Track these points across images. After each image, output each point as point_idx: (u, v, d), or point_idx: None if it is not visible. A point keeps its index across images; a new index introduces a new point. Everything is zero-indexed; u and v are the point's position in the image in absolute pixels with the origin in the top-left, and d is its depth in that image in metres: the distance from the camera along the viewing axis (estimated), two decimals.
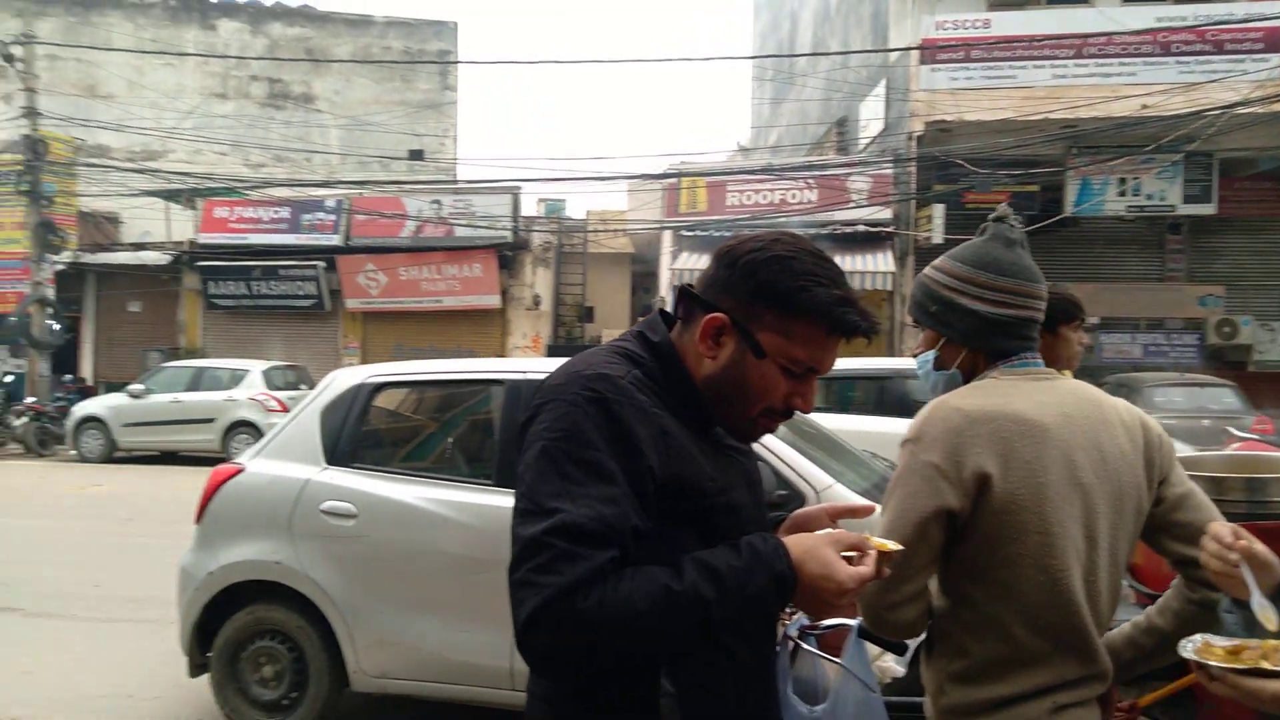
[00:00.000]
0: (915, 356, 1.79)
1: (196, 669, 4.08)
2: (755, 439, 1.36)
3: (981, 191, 14.94)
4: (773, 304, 1.24)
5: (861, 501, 1.42)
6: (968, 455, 1.46)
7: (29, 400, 16.21)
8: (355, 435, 4.00)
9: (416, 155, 23.12)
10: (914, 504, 1.46)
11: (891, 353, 15.74)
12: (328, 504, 3.85)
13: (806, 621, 2.01)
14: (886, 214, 15.59)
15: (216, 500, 4.05)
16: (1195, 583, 1.60)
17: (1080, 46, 14.26)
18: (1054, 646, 1.49)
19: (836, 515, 1.39)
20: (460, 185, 19.74)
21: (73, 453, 14.48)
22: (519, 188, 18.00)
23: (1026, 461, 1.47)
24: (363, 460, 4.00)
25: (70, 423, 14.49)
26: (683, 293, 1.32)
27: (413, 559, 3.76)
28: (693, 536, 1.20)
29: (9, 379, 18.27)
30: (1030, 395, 1.55)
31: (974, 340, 1.64)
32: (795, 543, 1.20)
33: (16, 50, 16.64)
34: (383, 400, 4.18)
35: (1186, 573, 1.62)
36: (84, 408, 14.62)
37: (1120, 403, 1.67)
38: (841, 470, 4.18)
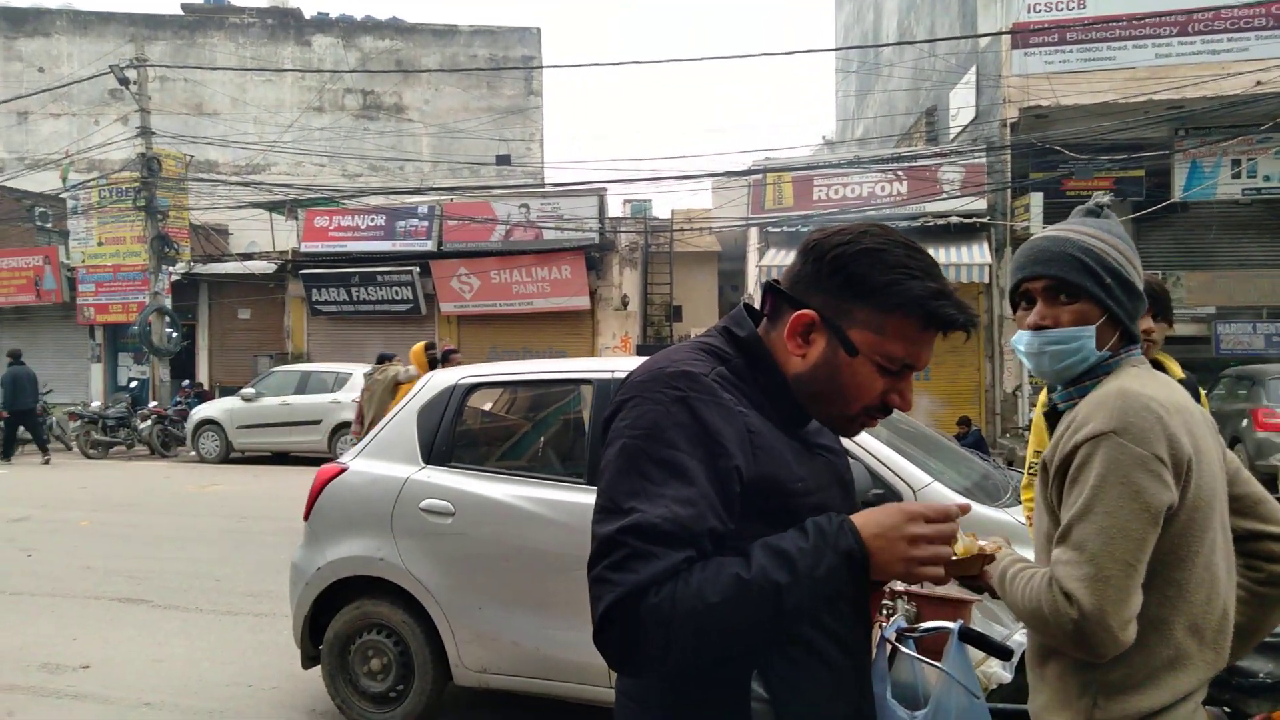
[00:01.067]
0: (1041, 329, 1.54)
1: (309, 661, 4.26)
2: (856, 434, 1.34)
3: (1082, 178, 14.36)
4: (864, 299, 1.20)
5: (958, 500, 1.37)
6: (1180, 447, 1.39)
7: (152, 404, 17.19)
8: (451, 435, 4.12)
9: (504, 160, 23.57)
10: (1143, 500, 1.36)
11: (991, 350, 15.28)
12: (426, 502, 3.97)
13: (905, 624, 1.99)
14: (981, 204, 15.13)
15: (322, 499, 4.22)
16: (1259, 559, 1.56)
17: (1185, 23, 13.58)
18: (1201, 646, 1.43)
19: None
20: (547, 188, 20.04)
21: (193, 454, 15.29)
22: (604, 189, 18.17)
23: (1206, 454, 1.43)
24: (459, 459, 4.11)
25: (189, 425, 15.29)
26: (769, 288, 1.29)
27: (508, 556, 3.85)
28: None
29: (134, 384, 19.43)
30: (1174, 387, 1.50)
31: (1133, 321, 1.54)
32: (863, 515, 1.19)
33: (131, 74, 17.61)
34: (477, 400, 4.29)
35: (1247, 548, 1.57)
36: (201, 411, 15.41)
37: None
38: (940, 468, 4.09)
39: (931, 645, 1.98)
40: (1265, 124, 13.23)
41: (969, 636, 1.87)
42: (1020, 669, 2.02)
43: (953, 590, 2.20)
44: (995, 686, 2.24)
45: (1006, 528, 3.45)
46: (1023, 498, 3.28)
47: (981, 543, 1.39)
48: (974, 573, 1.30)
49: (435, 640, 3.99)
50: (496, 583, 3.89)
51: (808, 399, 1.26)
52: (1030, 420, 6.44)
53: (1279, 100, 12.68)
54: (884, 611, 2.06)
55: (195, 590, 6.51)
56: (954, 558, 1.25)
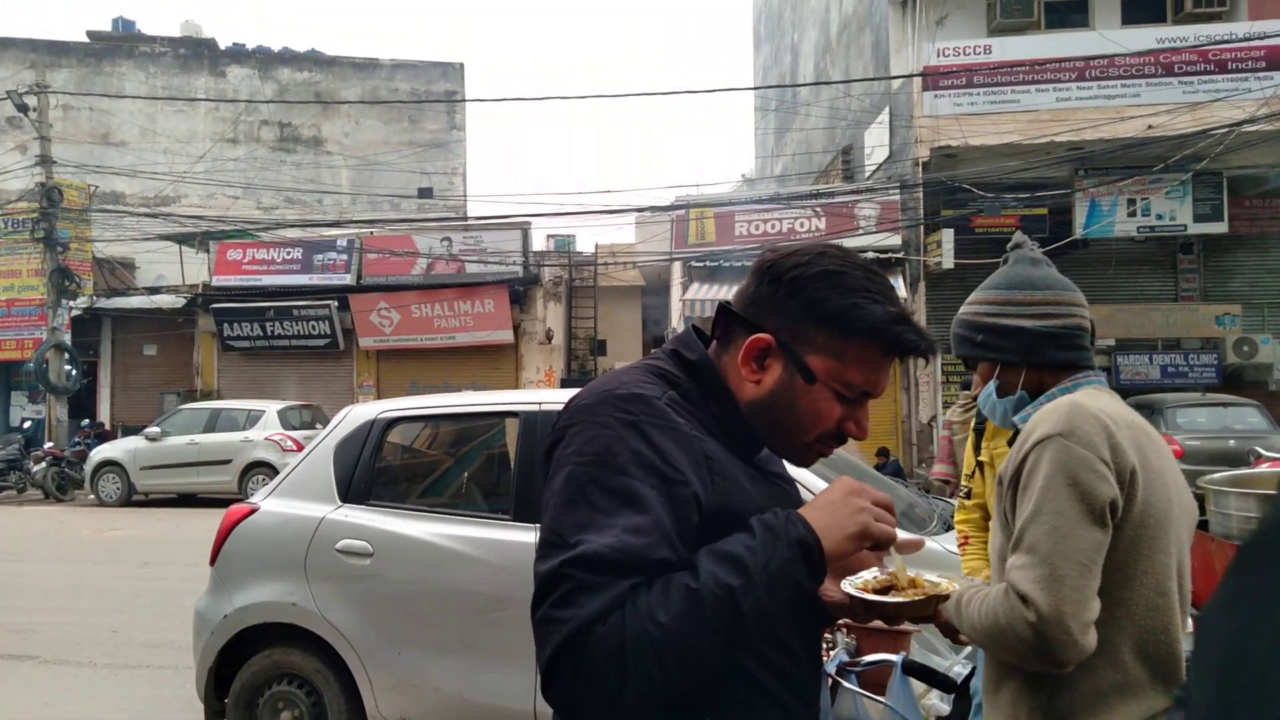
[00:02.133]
0: (973, 400, 1.82)
1: (213, 716, 4.01)
2: (810, 464, 1.29)
3: (990, 215, 14.92)
4: (823, 324, 1.15)
5: (909, 535, 1.31)
6: (1123, 455, 1.40)
7: (47, 445, 16.26)
8: (369, 471, 3.96)
9: (425, 193, 23.35)
10: (1090, 499, 1.36)
11: (907, 382, 15.65)
12: (343, 543, 3.80)
13: (846, 657, 1.95)
14: (896, 240, 15.57)
15: (230, 541, 4.00)
16: None
17: (1083, 69, 14.30)
18: (1152, 675, 1.42)
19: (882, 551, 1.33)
20: (470, 222, 19.87)
21: (91, 497, 14.48)
22: (528, 223, 18.11)
23: (1158, 474, 1.44)
24: (378, 497, 3.95)
25: (88, 467, 14.50)
26: (722, 311, 1.24)
27: (430, 598, 3.70)
28: None
29: (28, 425, 18.39)
30: (1131, 412, 1.52)
31: (1030, 356, 1.64)
32: (809, 505, 1.15)
33: (30, 100, 16.89)
34: (397, 435, 4.14)
35: None
36: (101, 452, 14.64)
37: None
38: None
39: (873, 679, 1.94)
40: (1156, 165, 13.98)
41: (912, 669, 1.84)
42: (958, 699, 1.99)
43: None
44: (934, 718, 2.21)
45: (934, 556, 3.46)
46: (956, 521, 3.29)
47: (934, 580, 1.34)
48: (928, 613, 1.26)
49: (351, 689, 3.80)
50: (417, 626, 3.73)
51: (762, 427, 1.21)
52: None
53: (1169, 143, 13.42)
54: (824, 645, 2.01)
55: (89, 643, 6.09)
56: (908, 599, 1.22)
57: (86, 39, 28.21)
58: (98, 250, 19.16)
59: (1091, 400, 1.48)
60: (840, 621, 2.12)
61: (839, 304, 1.14)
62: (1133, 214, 14.95)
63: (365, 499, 3.93)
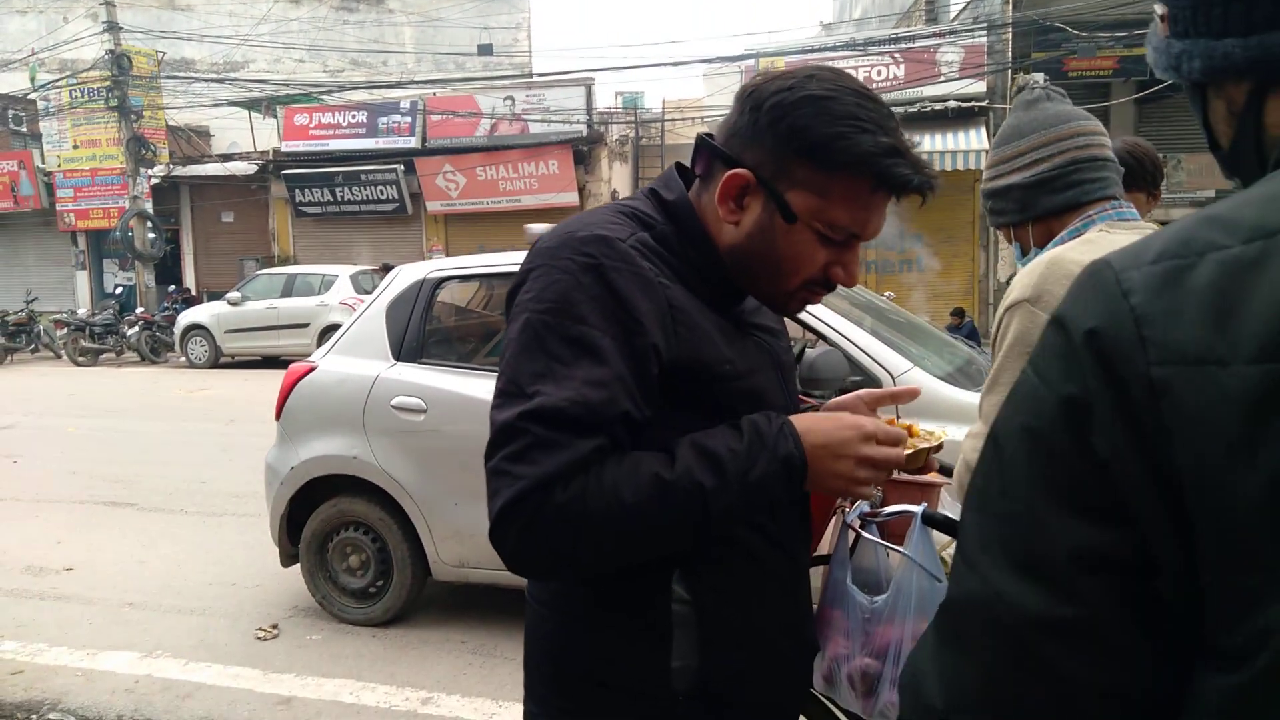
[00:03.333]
0: None
1: (288, 559, 4.25)
2: (795, 313, 1.19)
3: (1085, 57, 13.84)
4: (805, 156, 1.02)
5: (905, 385, 1.24)
6: None
7: (139, 310, 17.03)
8: (421, 330, 4.00)
9: (486, 50, 22.73)
10: None
11: (985, 240, 15.04)
12: (398, 399, 3.88)
13: (868, 508, 1.91)
14: (980, 87, 14.63)
15: (293, 398, 4.13)
16: None
17: None
18: None
19: (875, 402, 1.23)
20: (531, 80, 19.37)
21: (181, 359, 15.23)
22: (591, 79, 17.55)
23: None
24: (430, 355, 4.00)
25: (177, 331, 15.19)
26: (701, 144, 1.12)
27: (481, 452, 3.77)
28: (708, 427, 1.05)
29: (120, 291, 19.22)
30: None
31: (1026, 211, 1.54)
32: (807, 421, 1.05)
33: None
34: (447, 295, 4.15)
35: None
36: (189, 316, 15.28)
37: None
38: (923, 354, 3.99)
39: (896, 529, 1.90)
40: None
41: (932, 520, 1.79)
42: None
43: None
44: None
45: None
46: None
47: (928, 429, 1.28)
48: (919, 465, 1.19)
49: (413, 536, 3.97)
50: (471, 478, 3.82)
51: (741, 272, 1.10)
52: None
53: None
54: (848, 498, 1.97)
55: (181, 493, 6.51)
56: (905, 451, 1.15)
57: None
58: (170, 118, 19.37)
59: (1076, 251, 1.36)
60: None
61: (822, 133, 1.01)
62: None
63: (418, 357, 3.99)
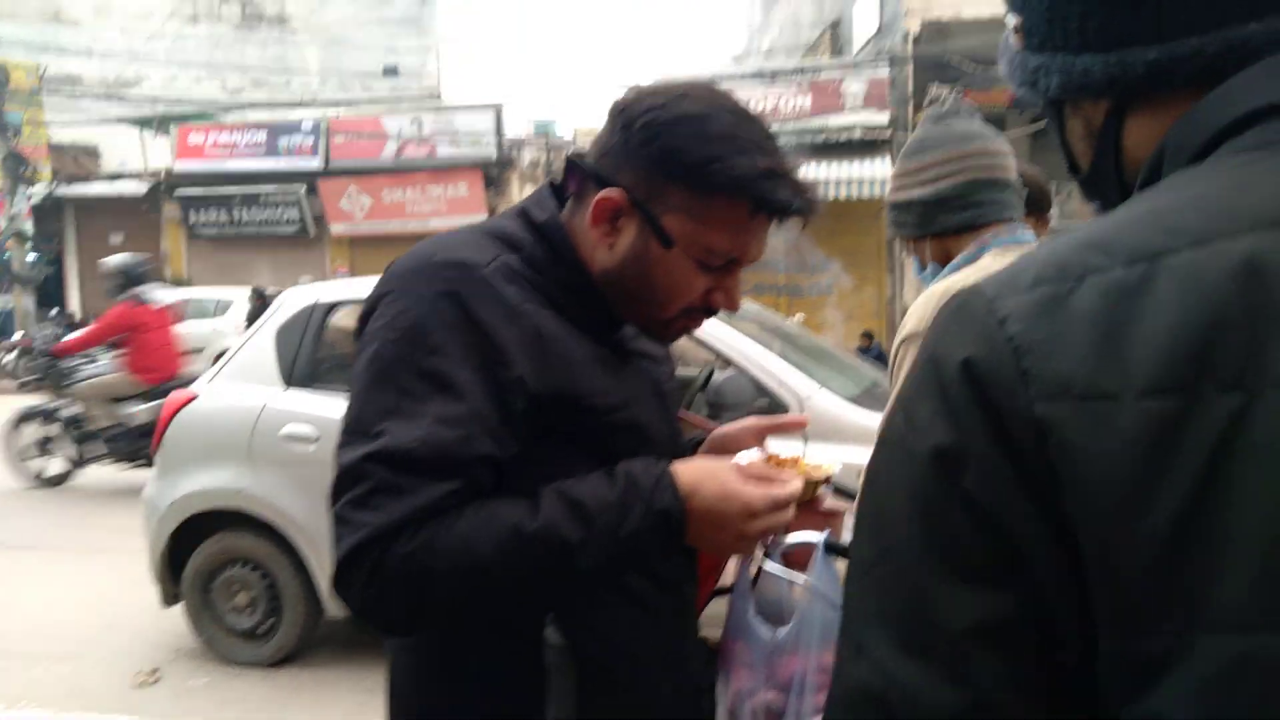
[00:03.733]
0: None
1: (170, 598, 3.99)
2: (673, 341, 1.13)
3: (981, 91, 14.44)
4: (680, 178, 0.96)
5: (793, 415, 1.18)
6: None
7: (16, 335, 16.00)
8: (313, 356, 3.82)
9: (391, 72, 22.38)
10: None
11: (892, 263, 15.48)
12: (288, 428, 3.68)
13: (770, 538, 1.85)
14: (883, 118, 15.11)
15: (173, 429, 3.89)
16: None
17: None
18: None
19: (764, 432, 1.17)
20: (440, 104, 19.16)
21: None
22: (501, 104, 17.47)
23: None
24: (323, 381, 3.82)
25: None
26: (571, 163, 1.05)
27: None
28: (585, 461, 0.97)
29: None
30: None
31: (925, 227, 1.52)
32: (689, 468, 0.97)
33: None
34: (340, 319, 3.98)
35: None
36: None
37: None
38: (830, 377, 4.00)
39: (800, 558, 1.85)
40: None
41: (835, 548, 1.74)
42: None
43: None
44: None
45: None
46: None
47: (815, 463, 1.22)
48: (807, 498, 1.14)
49: (304, 572, 3.76)
50: None
51: (617, 297, 1.03)
52: None
53: None
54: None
55: (57, 528, 6.09)
56: None
57: None
58: (54, 135, 18.40)
59: (977, 276, 1.34)
60: None
61: (697, 155, 0.95)
62: None
63: (310, 383, 3.80)
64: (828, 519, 1.95)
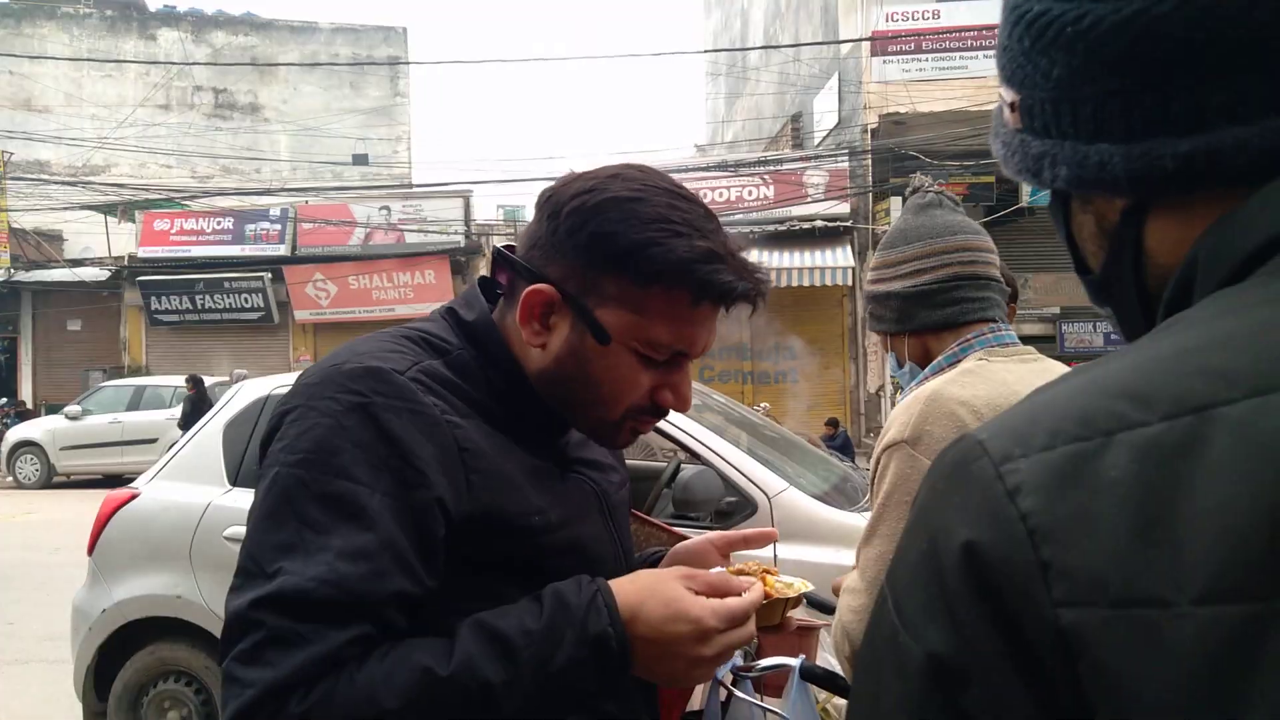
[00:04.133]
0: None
1: (94, 718, 3.68)
2: (624, 446, 1.03)
3: (938, 182, 14.86)
4: (613, 267, 0.88)
5: (761, 529, 1.05)
6: None
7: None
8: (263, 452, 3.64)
9: (361, 160, 22.64)
10: None
11: (855, 351, 15.59)
12: (232, 529, 3.47)
13: (741, 662, 1.71)
14: (844, 208, 15.45)
15: (110, 529, 3.66)
16: None
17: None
18: None
19: (728, 547, 1.08)
20: (409, 190, 19.31)
21: (9, 479, 13.83)
22: (470, 191, 17.64)
23: None
24: None
25: (4, 448, 13.84)
26: (498, 257, 0.97)
27: None
28: (518, 592, 0.86)
29: None
30: (1030, 381, 1.28)
31: (904, 322, 1.44)
32: (628, 584, 0.86)
33: None
34: None
35: None
36: (18, 432, 13.99)
37: None
38: (799, 472, 3.89)
39: (773, 683, 1.71)
40: None
41: (811, 675, 1.60)
42: None
43: (800, 616, 1.94)
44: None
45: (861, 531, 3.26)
46: None
47: (785, 580, 1.11)
48: (775, 622, 1.02)
49: None
50: None
51: (557, 400, 0.95)
52: None
53: None
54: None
55: None
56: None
57: None
58: (16, 221, 18.22)
59: (958, 386, 1.25)
60: None
61: (630, 240, 0.87)
62: None
63: (258, 482, 3.61)
64: (803, 638, 1.82)
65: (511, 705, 0.78)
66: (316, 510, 0.79)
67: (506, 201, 21.03)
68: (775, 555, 2.90)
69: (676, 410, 0.96)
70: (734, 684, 1.63)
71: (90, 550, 3.70)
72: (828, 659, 1.96)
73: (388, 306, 17.16)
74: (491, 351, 0.94)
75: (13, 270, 17.79)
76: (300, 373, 0.92)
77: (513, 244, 0.98)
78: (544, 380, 0.94)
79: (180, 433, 13.03)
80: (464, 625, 0.81)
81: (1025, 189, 15.01)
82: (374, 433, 0.82)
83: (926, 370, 1.39)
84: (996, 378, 1.26)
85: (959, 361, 1.35)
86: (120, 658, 3.64)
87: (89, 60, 24.86)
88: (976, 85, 14.03)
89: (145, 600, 3.56)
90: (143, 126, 24.42)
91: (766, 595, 1.01)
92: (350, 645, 0.76)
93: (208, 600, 3.47)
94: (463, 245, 17.38)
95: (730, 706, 1.60)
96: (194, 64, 25.75)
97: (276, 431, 0.87)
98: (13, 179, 18.00)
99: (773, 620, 1.00)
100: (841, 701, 2.01)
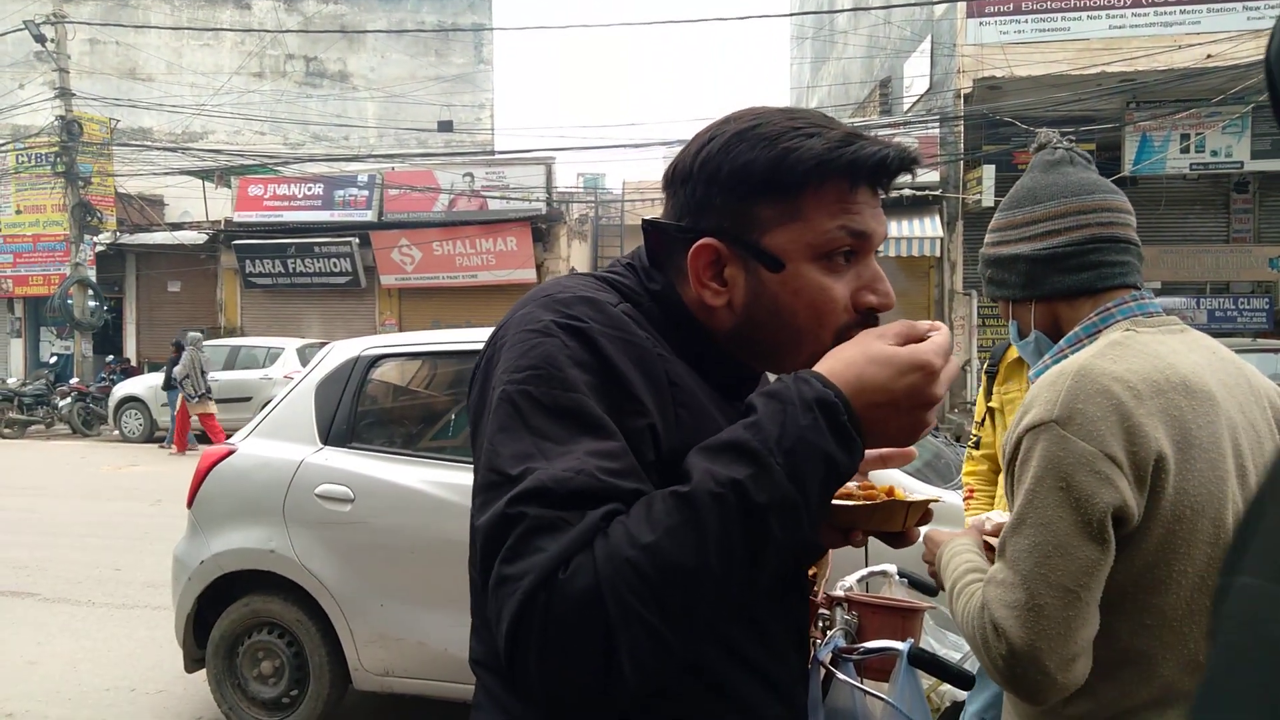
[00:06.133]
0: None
1: (193, 664, 3.84)
2: None
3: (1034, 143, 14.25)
4: (761, 191, 0.87)
5: (893, 448, 0.97)
6: (1143, 440, 1.08)
7: (72, 381, 16.34)
8: (352, 412, 3.70)
9: (445, 127, 22.86)
10: (1084, 510, 1.06)
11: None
12: (323, 487, 3.55)
13: (843, 642, 1.65)
14: (934, 176, 14.94)
15: (208, 484, 3.78)
16: None
17: None
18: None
19: (865, 466, 1.01)
20: (492, 157, 19.44)
21: (115, 433, 14.55)
22: (552, 159, 17.66)
23: (1204, 449, 1.10)
24: (361, 439, 3.69)
25: (111, 403, 14.54)
26: (649, 228, 0.95)
27: (414, 548, 3.45)
28: None
29: (54, 359, 18.51)
30: (1183, 355, 1.17)
31: (1032, 288, 1.32)
32: (834, 359, 0.84)
33: (49, 31, 16.60)
34: (383, 374, 3.86)
35: None
36: (124, 388, 14.67)
37: (1254, 369, 1.28)
38: None
39: (875, 666, 1.64)
40: (1214, 98, 13.18)
41: (921, 660, 1.53)
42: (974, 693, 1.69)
43: (900, 596, 1.86)
44: (949, 705, 1.91)
45: (954, 511, 3.14)
46: (964, 473, 2.99)
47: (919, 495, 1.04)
48: (896, 527, 0.96)
49: (333, 640, 3.59)
50: (401, 577, 3.49)
51: (760, 354, 0.93)
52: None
53: (1228, 74, 12.60)
54: (819, 624, 1.71)
55: (91, 581, 6.00)
56: (862, 504, 0.95)
57: None
58: (122, 186, 19.01)
59: (1108, 360, 1.13)
60: (839, 594, 1.81)
61: (766, 159, 0.86)
62: (1185, 150, 14.19)
63: (347, 441, 3.67)
64: (906, 620, 1.74)
65: (764, 494, 0.74)
66: (551, 423, 0.78)
67: (587, 169, 21.07)
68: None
69: (883, 307, 0.91)
70: (834, 664, 1.57)
71: (190, 503, 3.83)
72: (930, 643, 1.88)
73: (470, 273, 17.39)
74: (675, 315, 0.92)
75: (118, 234, 18.58)
76: (513, 306, 0.91)
77: (656, 218, 0.96)
78: (740, 339, 0.92)
79: (165, 395, 13.46)
80: (691, 454, 0.79)
81: (1128, 157, 14.29)
82: (593, 356, 0.81)
83: (1062, 342, 1.28)
84: (1149, 350, 1.15)
85: (1099, 332, 1.24)
86: (218, 607, 3.77)
87: (188, 29, 25.66)
88: (1079, 48, 13.36)
89: (241, 553, 3.67)
90: (238, 94, 25.17)
91: (890, 494, 0.96)
92: (605, 518, 0.74)
93: (300, 555, 3.57)
94: (544, 212, 17.44)
95: (831, 688, 1.54)
96: (285, 31, 26.38)
97: (493, 359, 0.86)
98: (118, 145, 18.73)
99: (894, 526, 0.96)
100: (948, 689, 1.94)
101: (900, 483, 2.55)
